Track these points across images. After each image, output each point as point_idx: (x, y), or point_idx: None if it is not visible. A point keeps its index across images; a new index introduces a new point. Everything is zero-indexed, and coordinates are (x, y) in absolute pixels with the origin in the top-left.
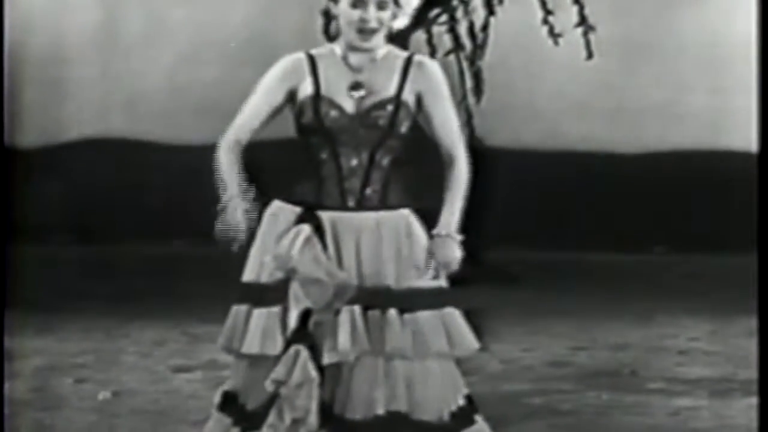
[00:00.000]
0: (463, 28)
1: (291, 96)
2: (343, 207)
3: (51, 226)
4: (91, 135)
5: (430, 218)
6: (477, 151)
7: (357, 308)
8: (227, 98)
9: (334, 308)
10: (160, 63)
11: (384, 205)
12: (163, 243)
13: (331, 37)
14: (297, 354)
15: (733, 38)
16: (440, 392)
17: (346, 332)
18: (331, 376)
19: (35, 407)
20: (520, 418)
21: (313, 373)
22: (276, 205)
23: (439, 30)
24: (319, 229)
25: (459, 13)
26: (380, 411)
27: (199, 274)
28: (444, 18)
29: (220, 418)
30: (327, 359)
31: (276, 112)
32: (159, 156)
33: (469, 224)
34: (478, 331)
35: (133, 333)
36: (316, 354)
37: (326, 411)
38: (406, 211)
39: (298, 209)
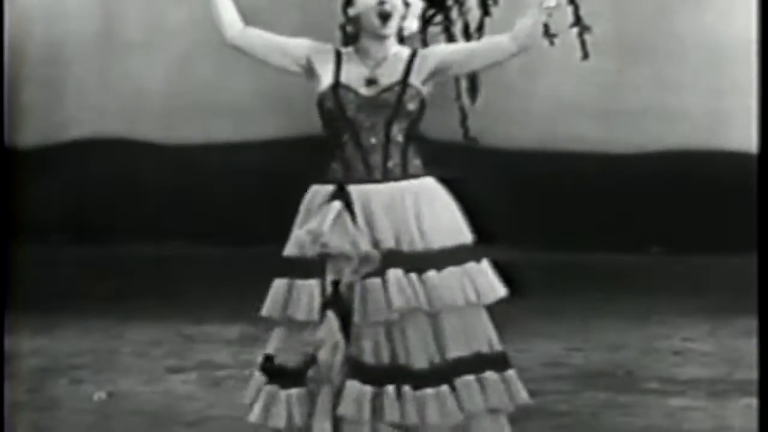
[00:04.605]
0: (458, 29)
1: (305, 67)
2: (371, 180)
3: (49, 227)
4: (89, 135)
5: (451, 186)
6: (472, 151)
7: (400, 271)
8: (226, 99)
9: (360, 275)
10: (158, 64)
11: (407, 175)
12: (159, 243)
13: (348, 44)
14: (328, 319)
15: (732, 38)
16: (472, 335)
17: (397, 293)
18: (385, 334)
19: (32, 408)
20: (515, 419)
21: (338, 335)
22: (313, 188)
23: (434, 30)
24: (349, 204)
25: (454, 14)
26: (428, 362)
27: (194, 275)
28: (439, 18)
29: (258, 377)
30: (375, 317)
31: (279, 53)
32: (157, 156)
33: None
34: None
35: (129, 333)
36: (349, 317)
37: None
38: (429, 179)
39: (331, 187)
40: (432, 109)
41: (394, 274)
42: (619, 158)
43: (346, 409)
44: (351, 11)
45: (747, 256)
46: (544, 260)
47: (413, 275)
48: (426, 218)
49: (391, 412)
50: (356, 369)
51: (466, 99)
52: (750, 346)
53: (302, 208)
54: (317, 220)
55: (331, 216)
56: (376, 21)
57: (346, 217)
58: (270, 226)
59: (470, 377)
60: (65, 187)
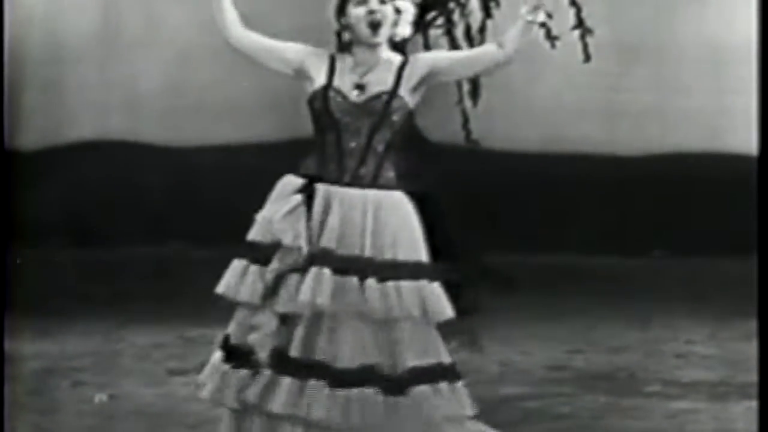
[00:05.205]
0: (459, 31)
1: (298, 70)
2: (340, 182)
3: (50, 229)
4: (90, 137)
5: (422, 201)
6: (473, 153)
7: (327, 270)
8: (226, 101)
9: (290, 267)
10: (159, 65)
11: (375, 184)
12: (160, 245)
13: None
14: (269, 306)
15: (732, 40)
16: (427, 346)
17: (309, 288)
18: (314, 330)
19: (33, 410)
20: (517, 422)
21: (274, 322)
22: (287, 177)
23: (436, 33)
24: (311, 199)
25: (456, 16)
26: (358, 363)
27: (196, 277)
28: (440, 21)
29: (216, 356)
30: (282, 308)
31: (274, 56)
32: (158, 158)
33: (466, 227)
34: (474, 333)
35: (130, 336)
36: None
37: (309, 360)
38: (397, 193)
39: (301, 180)
40: (434, 111)
41: (315, 271)
42: (621, 160)
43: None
44: (342, 20)
45: (747, 258)
46: (546, 262)
47: (351, 279)
48: (383, 230)
49: (279, 404)
50: (279, 360)
51: (467, 102)
52: (751, 349)
53: (272, 195)
54: (272, 210)
55: (287, 207)
56: (366, 30)
57: (302, 211)
58: None
59: (426, 387)
60: (66, 189)
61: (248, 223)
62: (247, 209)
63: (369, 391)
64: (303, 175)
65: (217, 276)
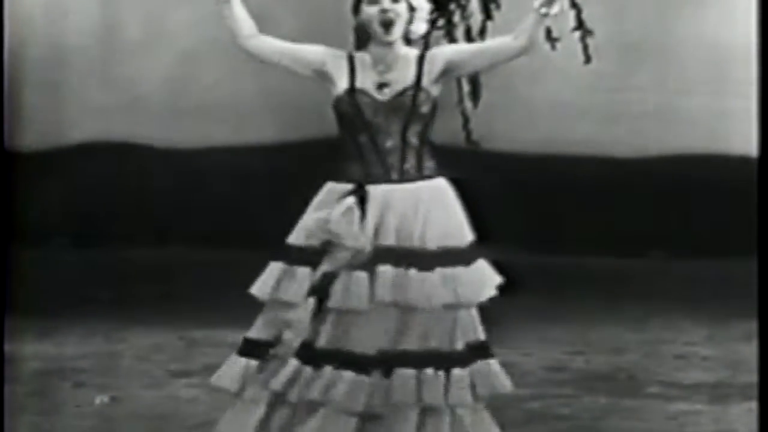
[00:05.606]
0: (460, 33)
1: (319, 71)
2: (388, 180)
3: (51, 230)
4: (91, 138)
5: (461, 185)
6: (474, 154)
7: (387, 267)
8: (228, 102)
9: (349, 268)
10: (160, 66)
11: (421, 176)
12: (162, 247)
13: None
14: (307, 304)
15: (732, 41)
16: (432, 332)
17: (381, 287)
18: (345, 321)
19: (33, 412)
20: (517, 423)
21: (307, 320)
22: (329, 185)
23: (437, 34)
24: (364, 201)
25: (456, 18)
26: (374, 349)
27: (197, 279)
28: (441, 22)
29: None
30: (344, 305)
31: (291, 59)
32: (159, 159)
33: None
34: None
35: (131, 337)
36: (323, 303)
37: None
38: (441, 180)
39: (348, 186)
40: None
41: (383, 270)
42: (621, 161)
43: (277, 384)
44: (358, 18)
45: (747, 259)
46: (545, 263)
47: (400, 270)
48: (429, 219)
49: (307, 390)
50: (305, 350)
51: (468, 102)
52: (751, 350)
53: (314, 202)
54: (327, 211)
55: (342, 208)
56: (379, 29)
57: (356, 212)
58: (272, 229)
59: (409, 371)
60: (66, 190)
61: (249, 224)
62: (249, 211)
63: (361, 374)
64: (348, 181)
65: (219, 277)
